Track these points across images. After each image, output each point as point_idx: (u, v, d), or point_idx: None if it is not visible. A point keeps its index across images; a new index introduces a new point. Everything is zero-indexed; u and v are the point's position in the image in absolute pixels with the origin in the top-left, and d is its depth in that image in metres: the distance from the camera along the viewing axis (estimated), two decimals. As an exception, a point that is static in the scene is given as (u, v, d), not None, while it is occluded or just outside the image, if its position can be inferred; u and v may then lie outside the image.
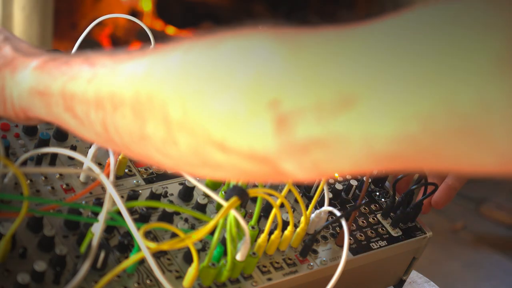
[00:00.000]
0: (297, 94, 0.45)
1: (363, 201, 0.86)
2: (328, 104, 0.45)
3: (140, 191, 0.77)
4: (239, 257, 0.71)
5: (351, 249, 0.82)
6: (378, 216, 0.87)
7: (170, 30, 2.46)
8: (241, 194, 0.64)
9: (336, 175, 0.85)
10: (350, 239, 0.82)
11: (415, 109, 0.43)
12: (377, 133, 0.44)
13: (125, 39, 2.38)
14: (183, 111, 0.49)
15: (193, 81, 0.49)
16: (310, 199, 0.82)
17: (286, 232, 0.77)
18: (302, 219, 0.78)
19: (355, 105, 0.44)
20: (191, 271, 0.68)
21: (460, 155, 0.44)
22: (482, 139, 0.42)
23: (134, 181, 0.78)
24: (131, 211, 0.73)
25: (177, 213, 0.76)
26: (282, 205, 0.76)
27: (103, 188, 0.74)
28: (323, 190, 0.81)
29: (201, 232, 0.63)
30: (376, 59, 0.44)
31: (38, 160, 0.74)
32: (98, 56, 0.57)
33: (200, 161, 0.51)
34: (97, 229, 0.65)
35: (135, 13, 2.39)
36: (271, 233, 0.76)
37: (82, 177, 0.76)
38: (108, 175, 0.69)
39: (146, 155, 0.54)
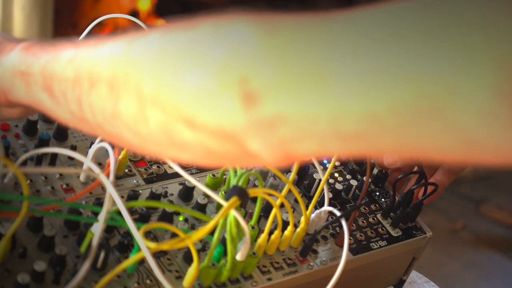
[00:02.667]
0: (266, 72, 0.47)
1: (363, 201, 0.86)
2: (296, 83, 0.46)
3: (140, 191, 0.77)
4: (239, 257, 0.71)
5: (351, 249, 0.82)
6: (378, 216, 0.87)
7: (170, 30, 2.46)
8: (241, 194, 0.64)
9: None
10: (350, 239, 0.82)
11: (382, 89, 0.44)
12: (344, 112, 0.45)
13: (125, 39, 2.37)
14: (156, 87, 0.51)
15: (168, 57, 0.50)
16: (310, 199, 0.82)
17: (286, 232, 0.77)
18: (302, 219, 0.78)
19: (323, 85, 0.45)
20: (191, 271, 0.68)
21: (426, 139, 0.45)
22: (448, 123, 0.43)
23: (134, 181, 0.78)
24: (131, 211, 0.73)
25: (177, 213, 0.76)
26: (282, 205, 0.76)
27: (103, 188, 0.74)
28: (323, 190, 0.81)
29: (201, 232, 0.63)
30: (346, 41, 0.45)
31: (38, 160, 0.74)
32: (84, 39, 0.59)
33: (168, 139, 0.52)
34: (97, 229, 0.65)
35: (135, 13, 2.39)
36: (271, 233, 0.76)
37: (82, 177, 0.76)
38: (108, 175, 0.69)
39: (117, 134, 0.56)
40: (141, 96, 0.52)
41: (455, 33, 0.43)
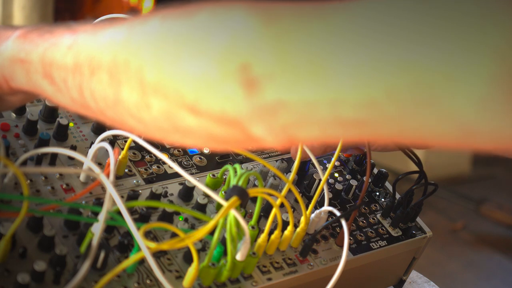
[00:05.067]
0: (267, 59, 0.47)
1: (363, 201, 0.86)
2: (297, 70, 0.47)
3: (140, 191, 0.77)
4: (239, 257, 0.71)
5: (351, 249, 0.82)
6: (378, 216, 0.87)
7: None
8: (241, 194, 0.64)
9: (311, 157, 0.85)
10: (350, 239, 0.82)
11: (381, 77, 0.45)
12: (343, 99, 0.46)
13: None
14: (158, 74, 0.51)
15: (170, 45, 0.51)
16: (310, 199, 0.82)
17: (286, 232, 0.77)
18: (302, 219, 0.78)
19: (322, 72, 0.46)
20: (191, 271, 0.68)
21: (424, 125, 0.45)
22: (446, 110, 0.44)
23: (134, 181, 0.78)
24: (131, 211, 0.73)
25: (177, 213, 0.76)
26: (282, 205, 0.76)
27: (103, 188, 0.74)
28: (323, 190, 0.81)
29: (201, 232, 0.63)
30: (344, 30, 0.46)
31: (38, 160, 0.74)
32: (81, 25, 0.59)
33: (171, 126, 0.53)
34: (97, 229, 0.65)
35: (135, 13, 2.39)
36: (271, 233, 0.76)
37: (82, 177, 0.76)
38: (108, 175, 0.69)
39: (120, 120, 0.56)
40: (143, 83, 0.52)
41: (452, 21, 0.43)
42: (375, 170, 0.91)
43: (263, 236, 0.74)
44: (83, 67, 0.56)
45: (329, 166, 0.83)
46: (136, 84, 0.52)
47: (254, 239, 0.74)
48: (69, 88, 0.58)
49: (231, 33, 0.48)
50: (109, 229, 0.71)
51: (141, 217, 0.72)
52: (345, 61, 0.45)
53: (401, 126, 0.46)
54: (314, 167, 0.87)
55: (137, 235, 0.62)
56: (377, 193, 0.90)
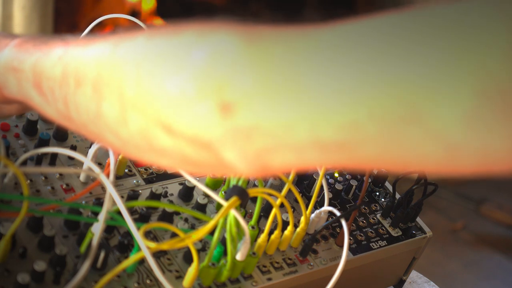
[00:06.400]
0: (244, 82, 0.46)
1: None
2: (276, 89, 0.46)
3: (140, 191, 0.77)
4: (239, 257, 0.71)
5: (351, 249, 0.82)
6: (378, 216, 0.87)
7: (170, 30, 2.45)
8: (241, 194, 0.64)
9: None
10: (350, 239, 0.82)
11: (362, 96, 0.43)
12: (323, 121, 0.45)
13: (125, 39, 2.37)
14: (137, 90, 0.51)
15: (151, 61, 0.51)
16: (310, 199, 0.81)
17: (286, 232, 0.77)
18: (302, 219, 0.78)
19: (301, 93, 0.45)
20: (191, 271, 0.68)
21: (407, 146, 0.44)
22: (430, 128, 0.43)
23: (134, 181, 0.78)
24: (131, 211, 0.73)
25: (177, 213, 0.76)
26: (282, 205, 0.76)
27: (103, 188, 0.74)
28: (322, 190, 0.81)
29: (201, 232, 0.63)
30: (325, 51, 0.45)
31: (38, 160, 0.74)
32: (76, 37, 0.59)
33: (147, 144, 0.52)
34: (97, 229, 0.65)
35: (135, 13, 2.39)
36: (271, 233, 0.76)
37: (82, 177, 0.76)
38: (108, 175, 0.69)
39: (100, 135, 0.56)
40: (123, 98, 0.52)
41: (435, 36, 0.42)
42: (375, 170, 0.91)
43: (263, 236, 0.74)
44: (69, 78, 0.56)
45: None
46: (116, 99, 0.52)
47: (254, 239, 0.74)
48: (56, 99, 0.58)
49: (210, 54, 0.48)
50: (109, 229, 0.71)
51: (141, 217, 0.72)
52: (325, 81, 0.44)
53: (382, 147, 0.45)
54: (314, 167, 0.87)
55: (137, 235, 0.62)
56: (377, 193, 0.90)
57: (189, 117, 0.48)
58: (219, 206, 0.78)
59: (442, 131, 0.42)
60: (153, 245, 0.62)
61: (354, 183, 0.87)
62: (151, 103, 0.50)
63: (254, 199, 0.80)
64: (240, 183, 0.71)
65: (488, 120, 0.41)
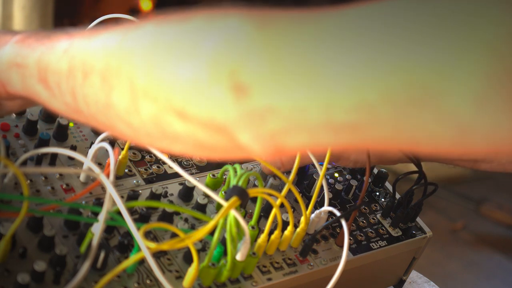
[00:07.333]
0: (257, 65, 0.47)
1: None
2: (288, 74, 0.46)
3: (140, 191, 0.77)
4: (239, 257, 0.71)
5: (351, 249, 0.82)
6: (378, 216, 0.87)
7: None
8: (241, 194, 0.64)
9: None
10: (350, 239, 0.82)
11: (374, 78, 0.44)
12: (335, 103, 0.45)
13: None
14: (148, 78, 0.51)
15: (161, 49, 0.51)
16: (310, 199, 0.81)
17: (286, 232, 0.77)
18: (302, 219, 0.78)
19: (313, 76, 0.45)
20: (191, 271, 0.68)
21: (418, 127, 0.44)
22: (442, 110, 0.43)
23: (134, 181, 0.78)
24: (131, 211, 0.73)
25: (177, 213, 0.76)
26: (282, 205, 0.76)
27: (103, 188, 0.74)
28: (322, 189, 0.81)
29: (201, 232, 0.63)
30: (336, 33, 0.45)
31: (38, 160, 0.74)
32: (79, 30, 0.59)
33: (160, 131, 0.52)
34: (97, 229, 0.65)
35: (135, 13, 2.39)
36: (271, 233, 0.76)
37: (82, 177, 0.76)
38: (108, 175, 0.69)
39: (111, 125, 0.56)
40: (133, 87, 0.52)
41: (445, 19, 0.43)
42: (375, 170, 0.91)
43: (263, 236, 0.74)
44: (76, 71, 0.56)
45: (325, 160, 0.82)
46: (127, 88, 0.52)
47: (254, 239, 0.74)
48: (62, 92, 0.58)
49: (224, 37, 0.48)
50: (109, 229, 0.71)
51: (141, 217, 0.72)
52: (337, 63, 0.45)
53: (394, 128, 0.45)
54: (314, 167, 0.87)
55: (137, 235, 0.62)
56: (377, 193, 0.90)
57: (203, 101, 0.49)
58: (219, 206, 0.78)
59: (454, 112, 0.43)
60: (153, 245, 0.62)
61: (354, 183, 0.87)
62: (163, 90, 0.50)
63: (254, 199, 0.80)
64: (240, 183, 0.71)
65: (498, 101, 0.42)
